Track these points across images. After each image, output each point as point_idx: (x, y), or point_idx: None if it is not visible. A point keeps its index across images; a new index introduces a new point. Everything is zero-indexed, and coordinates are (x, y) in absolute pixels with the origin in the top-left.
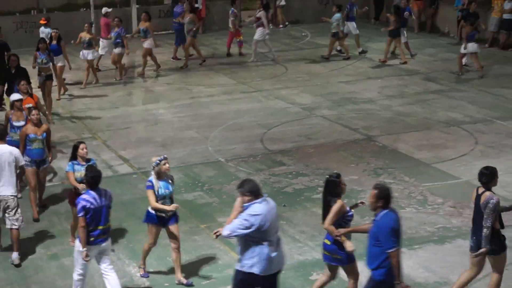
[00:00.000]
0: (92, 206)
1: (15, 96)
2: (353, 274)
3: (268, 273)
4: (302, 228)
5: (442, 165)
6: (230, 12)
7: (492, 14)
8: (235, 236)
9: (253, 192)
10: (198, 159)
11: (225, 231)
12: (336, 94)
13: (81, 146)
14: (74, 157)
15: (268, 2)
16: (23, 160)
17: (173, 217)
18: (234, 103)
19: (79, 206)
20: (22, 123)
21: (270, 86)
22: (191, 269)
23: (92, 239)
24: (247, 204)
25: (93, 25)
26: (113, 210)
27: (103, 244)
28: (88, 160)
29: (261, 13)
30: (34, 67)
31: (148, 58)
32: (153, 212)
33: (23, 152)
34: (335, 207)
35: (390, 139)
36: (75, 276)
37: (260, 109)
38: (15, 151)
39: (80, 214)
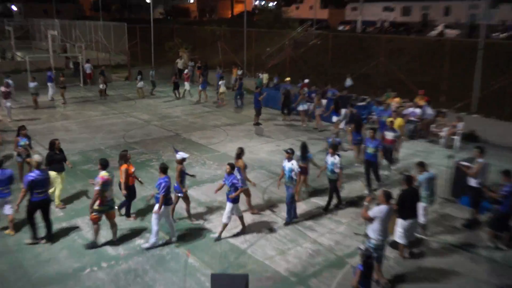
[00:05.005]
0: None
1: (182, 156)
2: None
3: None
4: (144, 180)
5: (212, 146)
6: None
7: (233, 75)
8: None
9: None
10: (90, 148)
11: None
12: (161, 114)
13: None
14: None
15: (8, 81)
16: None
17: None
18: (109, 119)
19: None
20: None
21: (128, 111)
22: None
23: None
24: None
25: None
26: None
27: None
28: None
29: (10, 89)
30: (16, 151)
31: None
32: None
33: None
34: None
35: (187, 134)
36: None
37: (122, 122)
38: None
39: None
